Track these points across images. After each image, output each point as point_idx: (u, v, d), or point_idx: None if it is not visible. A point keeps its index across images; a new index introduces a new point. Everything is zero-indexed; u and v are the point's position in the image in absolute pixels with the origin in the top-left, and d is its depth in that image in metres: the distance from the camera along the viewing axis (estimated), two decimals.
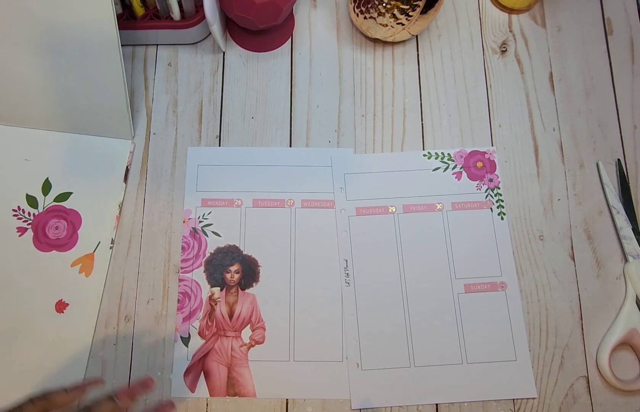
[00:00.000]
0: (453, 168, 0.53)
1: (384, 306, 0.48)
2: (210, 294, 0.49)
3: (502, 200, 0.52)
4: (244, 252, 0.50)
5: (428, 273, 0.49)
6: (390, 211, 0.51)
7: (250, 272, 0.49)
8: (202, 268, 0.49)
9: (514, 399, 0.46)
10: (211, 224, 0.51)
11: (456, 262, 0.50)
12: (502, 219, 0.51)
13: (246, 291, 0.49)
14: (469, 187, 0.52)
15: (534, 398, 0.46)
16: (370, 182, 0.52)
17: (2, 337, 0.47)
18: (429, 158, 0.53)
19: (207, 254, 0.50)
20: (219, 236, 0.50)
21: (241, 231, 0.51)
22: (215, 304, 0.48)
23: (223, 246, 0.50)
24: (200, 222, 0.51)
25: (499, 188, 0.52)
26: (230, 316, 0.48)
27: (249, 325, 0.48)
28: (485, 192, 0.52)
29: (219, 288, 0.49)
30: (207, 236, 0.50)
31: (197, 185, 0.52)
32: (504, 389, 0.46)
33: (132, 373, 0.47)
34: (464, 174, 0.53)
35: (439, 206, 0.52)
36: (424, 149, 0.53)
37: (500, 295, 0.49)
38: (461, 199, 0.52)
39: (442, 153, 0.53)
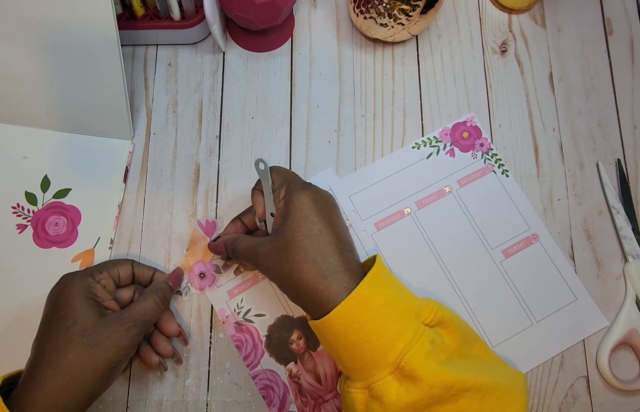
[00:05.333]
0: (444, 148, 0.53)
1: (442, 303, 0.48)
2: (287, 372, 0.47)
3: (500, 159, 0.52)
4: (294, 317, 0.48)
5: (465, 255, 0.50)
6: (406, 212, 0.51)
7: (311, 332, 0.45)
8: (267, 354, 0.47)
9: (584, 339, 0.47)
10: (250, 309, 0.48)
11: (485, 234, 0.50)
12: (507, 176, 0.52)
13: (318, 349, 0.47)
14: (465, 160, 0.53)
15: (605, 327, 0.48)
16: (375, 194, 0.52)
17: (2, 335, 0.47)
18: (418, 148, 0.53)
19: (264, 338, 0.47)
20: (264, 314, 0.48)
21: (280, 298, 0.48)
22: (299, 379, 0.46)
23: (272, 322, 0.48)
24: (238, 313, 0.48)
25: (492, 149, 0.53)
26: (319, 380, 0.46)
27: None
28: (482, 157, 0.53)
29: (292, 362, 0.47)
30: (252, 322, 0.48)
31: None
32: (577, 331, 0.48)
33: (131, 373, 0.47)
34: (456, 150, 0.53)
35: (447, 189, 0.52)
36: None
37: (537, 247, 0.50)
38: (464, 174, 0.52)
39: (429, 138, 0.53)
